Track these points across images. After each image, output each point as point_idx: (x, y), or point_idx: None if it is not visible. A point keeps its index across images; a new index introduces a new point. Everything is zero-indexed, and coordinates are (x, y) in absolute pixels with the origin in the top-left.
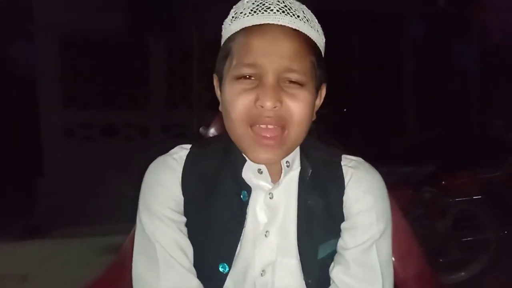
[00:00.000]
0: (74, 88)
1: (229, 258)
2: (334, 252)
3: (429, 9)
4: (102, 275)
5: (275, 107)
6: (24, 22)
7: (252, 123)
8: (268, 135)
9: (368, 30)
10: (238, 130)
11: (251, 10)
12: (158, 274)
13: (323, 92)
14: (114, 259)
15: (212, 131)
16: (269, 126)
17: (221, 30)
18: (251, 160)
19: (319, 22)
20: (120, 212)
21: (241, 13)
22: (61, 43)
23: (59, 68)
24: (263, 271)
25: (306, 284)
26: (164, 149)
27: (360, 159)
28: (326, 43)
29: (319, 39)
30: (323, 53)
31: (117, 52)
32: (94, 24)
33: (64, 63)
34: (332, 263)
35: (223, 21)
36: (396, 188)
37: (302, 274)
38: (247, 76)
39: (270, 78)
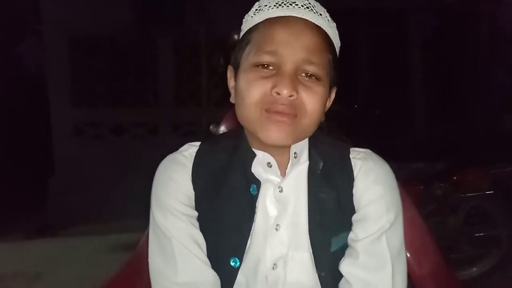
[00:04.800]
0: (83, 87)
1: (239, 252)
2: (346, 245)
3: (439, 3)
4: (121, 271)
5: (291, 96)
6: (32, 21)
7: (266, 108)
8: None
9: (378, 26)
10: (251, 114)
11: (276, 3)
12: (175, 268)
13: (333, 95)
14: (132, 255)
15: (222, 129)
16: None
17: (229, 28)
18: (263, 140)
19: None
20: (130, 210)
21: (265, 5)
22: (70, 42)
23: (68, 68)
24: (274, 264)
25: (319, 277)
26: (174, 148)
27: (368, 151)
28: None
29: (336, 40)
30: (337, 56)
31: (125, 51)
32: (102, 23)
33: (73, 62)
34: (343, 257)
35: (232, 18)
36: (407, 184)
37: (314, 268)
38: (265, 65)
39: (288, 67)
